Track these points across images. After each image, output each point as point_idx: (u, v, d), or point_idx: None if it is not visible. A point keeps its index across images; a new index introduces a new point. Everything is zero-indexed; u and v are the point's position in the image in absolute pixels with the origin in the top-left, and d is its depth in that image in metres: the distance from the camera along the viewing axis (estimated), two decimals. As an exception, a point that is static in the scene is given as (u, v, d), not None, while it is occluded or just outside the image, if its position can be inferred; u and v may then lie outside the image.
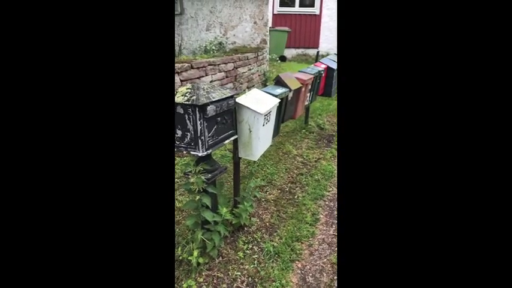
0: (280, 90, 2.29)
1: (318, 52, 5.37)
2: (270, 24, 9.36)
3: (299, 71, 3.10)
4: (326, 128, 4.14)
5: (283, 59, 9.03)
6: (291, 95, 2.59)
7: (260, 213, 2.41)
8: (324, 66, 3.66)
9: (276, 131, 2.51)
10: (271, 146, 3.59)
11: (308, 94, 3.20)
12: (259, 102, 2.00)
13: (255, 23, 6.09)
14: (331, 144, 3.68)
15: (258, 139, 2.00)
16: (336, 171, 3.09)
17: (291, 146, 3.55)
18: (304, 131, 3.97)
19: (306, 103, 3.25)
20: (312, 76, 2.98)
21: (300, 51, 9.89)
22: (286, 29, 8.81)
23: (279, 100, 2.15)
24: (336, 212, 2.48)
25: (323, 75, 3.58)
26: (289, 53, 9.68)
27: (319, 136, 3.91)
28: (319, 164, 3.19)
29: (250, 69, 5.39)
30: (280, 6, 9.69)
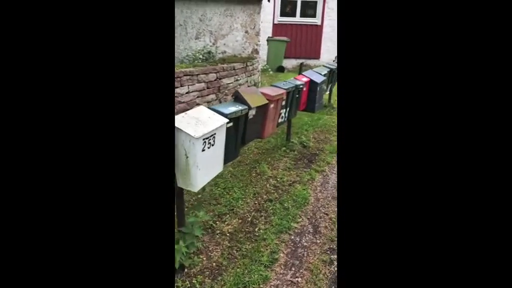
0: (234, 108, 1.98)
1: (301, 64, 5.03)
2: (269, 33, 9.12)
3: (271, 85, 2.79)
4: (310, 145, 3.79)
5: (281, 69, 8.74)
6: (253, 112, 2.28)
7: (210, 249, 2.08)
8: (305, 79, 3.34)
9: (233, 153, 2.19)
10: (245, 164, 3.26)
11: (282, 110, 2.88)
12: (199, 123, 1.69)
13: (246, 32, 5.83)
14: (311, 165, 3.34)
15: (197, 167, 1.68)
16: (310, 198, 2.74)
17: (266, 165, 3.22)
18: (284, 148, 3.63)
19: (280, 120, 2.93)
20: (284, 91, 2.66)
21: (300, 61, 9.59)
22: (285, 38, 8.54)
23: (227, 120, 1.84)
24: (300, 250, 2.13)
25: (304, 89, 3.25)
26: (290, 63, 9.39)
27: (300, 155, 3.57)
28: (292, 189, 2.85)
29: (237, 80, 5.10)
30: (280, 16, 9.46)
